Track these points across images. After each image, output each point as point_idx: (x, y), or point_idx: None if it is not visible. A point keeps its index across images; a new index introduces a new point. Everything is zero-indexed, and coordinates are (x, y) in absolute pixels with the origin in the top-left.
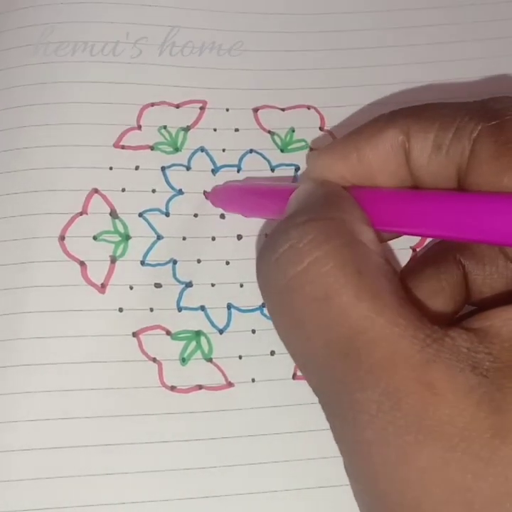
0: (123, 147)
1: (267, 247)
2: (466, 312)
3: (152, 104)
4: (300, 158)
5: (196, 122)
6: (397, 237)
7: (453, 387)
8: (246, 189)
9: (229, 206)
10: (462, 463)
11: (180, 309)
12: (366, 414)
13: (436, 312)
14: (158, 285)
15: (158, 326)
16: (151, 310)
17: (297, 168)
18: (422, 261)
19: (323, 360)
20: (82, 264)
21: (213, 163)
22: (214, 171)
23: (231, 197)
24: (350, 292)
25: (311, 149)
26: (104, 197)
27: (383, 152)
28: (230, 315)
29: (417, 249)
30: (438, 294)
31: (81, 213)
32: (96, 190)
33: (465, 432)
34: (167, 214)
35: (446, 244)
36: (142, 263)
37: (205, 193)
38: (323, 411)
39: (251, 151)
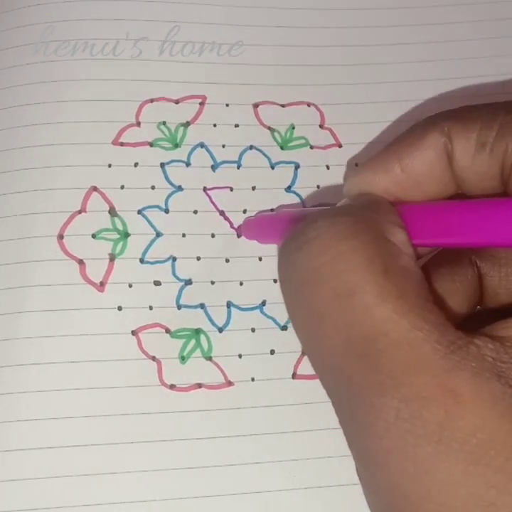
0: (122, 144)
1: (293, 234)
2: (478, 310)
3: (151, 100)
4: (300, 155)
5: (196, 118)
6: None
7: (477, 396)
8: (281, 218)
9: (264, 238)
10: (485, 476)
11: (179, 307)
12: (384, 421)
13: (448, 313)
14: (157, 283)
15: (157, 324)
16: (151, 308)
17: (297, 166)
18: (436, 260)
19: (340, 361)
20: (80, 262)
21: (213, 159)
22: (214, 167)
23: (266, 228)
24: (375, 291)
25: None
26: (102, 195)
27: (427, 158)
28: (229, 313)
29: None
30: (451, 294)
31: (80, 211)
32: (95, 188)
33: (489, 443)
34: (166, 211)
35: None
36: (141, 261)
37: (237, 226)
38: (336, 414)
39: (251, 147)
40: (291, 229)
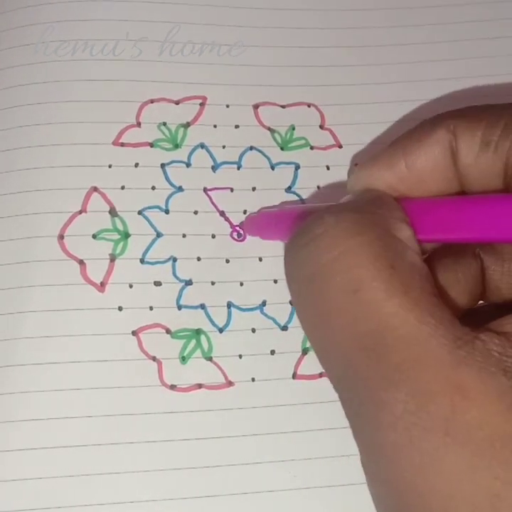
0: (122, 145)
1: (299, 231)
2: (480, 306)
3: (151, 101)
4: (300, 156)
5: (196, 118)
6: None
7: (484, 390)
8: (284, 214)
9: (266, 234)
10: (491, 469)
11: (180, 307)
12: (390, 414)
13: (449, 303)
14: (157, 283)
15: (157, 325)
16: (151, 308)
17: (297, 167)
18: (441, 250)
19: (348, 355)
20: (81, 263)
21: (213, 159)
22: (214, 168)
23: (268, 224)
24: (382, 286)
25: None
26: (103, 195)
27: (432, 155)
28: (229, 313)
29: None
30: (453, 285)
31: (80, 212)
32: (95, 189)
33: (495, 436)
34: (167, 211)
35: None
36: (142, 261)
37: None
38: (343, 408)
39: (251, 148)
40: (297, 226)
